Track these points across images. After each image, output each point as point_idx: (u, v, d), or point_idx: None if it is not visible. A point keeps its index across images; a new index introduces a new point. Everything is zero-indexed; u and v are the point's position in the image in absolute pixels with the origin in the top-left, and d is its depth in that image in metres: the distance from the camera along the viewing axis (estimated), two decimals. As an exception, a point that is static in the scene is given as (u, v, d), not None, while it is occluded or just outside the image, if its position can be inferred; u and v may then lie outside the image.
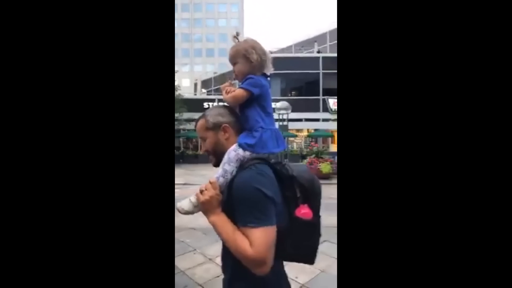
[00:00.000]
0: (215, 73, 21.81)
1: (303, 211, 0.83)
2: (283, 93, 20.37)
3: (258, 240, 0.75)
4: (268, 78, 0.96)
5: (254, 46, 0.95)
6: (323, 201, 0.93)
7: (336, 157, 10.48)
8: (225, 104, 0.97)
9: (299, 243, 0.81)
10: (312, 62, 20.25)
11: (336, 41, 21.63)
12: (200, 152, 16.72)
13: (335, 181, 8.32)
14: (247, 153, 0.86)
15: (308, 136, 17.93)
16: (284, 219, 0.81)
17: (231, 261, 0.84)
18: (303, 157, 15.90)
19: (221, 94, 0.97)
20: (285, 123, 10.17)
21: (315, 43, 22.30)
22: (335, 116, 17.11)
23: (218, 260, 2.94)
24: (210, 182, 0.85)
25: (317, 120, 18.55)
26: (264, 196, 0.77)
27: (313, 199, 0.85)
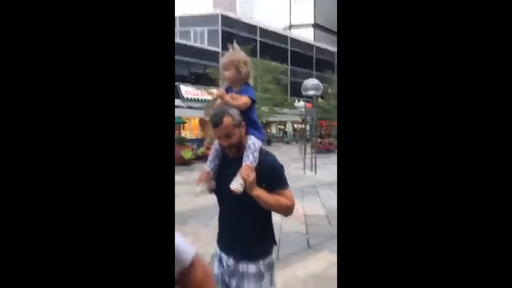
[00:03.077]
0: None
1: None
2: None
3: (291, 196, 1.18)
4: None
5: (246, 62, 1.22)
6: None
7: (195, 144, 11.17)
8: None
9: None
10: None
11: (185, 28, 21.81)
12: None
13: (195, 166, 9.01)
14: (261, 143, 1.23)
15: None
16: None
17: (246, 228, 1.19)
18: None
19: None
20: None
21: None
22: (187, 104, 17.64)
23: None
24: (250, 167, 1.12)
25: (169, 106, 18.33)
26: (283, 169, 1.22)
27: None
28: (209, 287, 0.73)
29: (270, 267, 1.22)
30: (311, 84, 8.49)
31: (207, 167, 1.26)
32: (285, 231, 3.22)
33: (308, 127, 11.13)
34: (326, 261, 2.69)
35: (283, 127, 25.04)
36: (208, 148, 8.72)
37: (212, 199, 1.31)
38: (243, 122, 1.17)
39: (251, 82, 1.27)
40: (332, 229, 3.58)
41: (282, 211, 1.18)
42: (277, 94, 17.41)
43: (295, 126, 24.98)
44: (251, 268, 1.18)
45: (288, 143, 20.85)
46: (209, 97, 15.63)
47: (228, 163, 1.21)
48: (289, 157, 10.89)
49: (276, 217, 1.26)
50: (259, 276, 1.18)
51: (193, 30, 21.40)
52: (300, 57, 25.95)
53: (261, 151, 1.20)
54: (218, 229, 1.30)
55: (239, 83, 1.25)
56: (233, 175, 1.14)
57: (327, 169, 8.60)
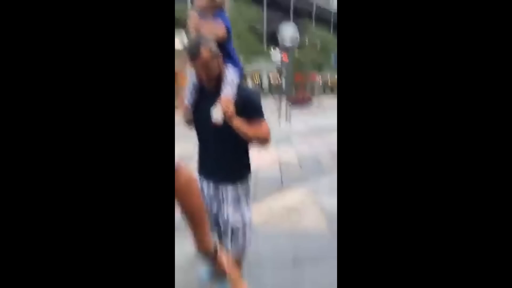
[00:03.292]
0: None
1: None
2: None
3: (267, 126, 1.22)
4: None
5: None
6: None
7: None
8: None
9: None
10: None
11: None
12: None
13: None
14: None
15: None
16: None
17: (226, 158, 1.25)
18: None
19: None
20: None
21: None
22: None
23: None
24: (228, 100, 1.14)
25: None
26: (260, 99, 1.25)
27: None
28: (193, 192, 0.73)
29: (247, 191, 1.33)
30: (286, 32, 8.13)
31: (185, 100, 1.27)
32: (261, 177, 3.46)
33: (284, 80, 11.07)
34: (297, 196, 3.00)
35: (258, 79, 24.49)
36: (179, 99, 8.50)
37: (188, 147, 1.33)
38: (220, 54, 1.15)
39: (226, 8, 1.24)
40: (303, 173, 3.89)
41: (259, 141, 1.25)
42: (253, 44, 16.60)
43: (271, 77, 24.54)
44: (230, 190, 1.28)
45: (263, 93, 20.68)
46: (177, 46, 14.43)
47: (206, 96, 1.22)
48: (265, 109, 11.00)
49: (252, 166, 1.34)
50: (237, 198, 1.30)
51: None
52: (277, 4, 24.36)
53: (239, 84, 1.21)
54: (198, 159, 1.35)
55: (213, 10, 1.22)
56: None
57: (301, 120, 8.91)
